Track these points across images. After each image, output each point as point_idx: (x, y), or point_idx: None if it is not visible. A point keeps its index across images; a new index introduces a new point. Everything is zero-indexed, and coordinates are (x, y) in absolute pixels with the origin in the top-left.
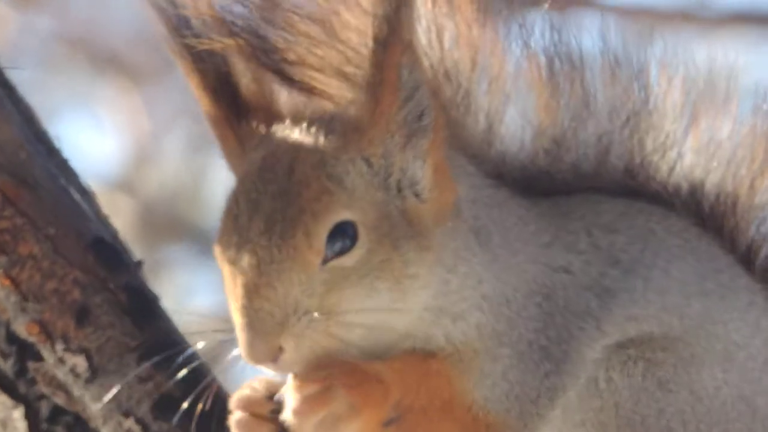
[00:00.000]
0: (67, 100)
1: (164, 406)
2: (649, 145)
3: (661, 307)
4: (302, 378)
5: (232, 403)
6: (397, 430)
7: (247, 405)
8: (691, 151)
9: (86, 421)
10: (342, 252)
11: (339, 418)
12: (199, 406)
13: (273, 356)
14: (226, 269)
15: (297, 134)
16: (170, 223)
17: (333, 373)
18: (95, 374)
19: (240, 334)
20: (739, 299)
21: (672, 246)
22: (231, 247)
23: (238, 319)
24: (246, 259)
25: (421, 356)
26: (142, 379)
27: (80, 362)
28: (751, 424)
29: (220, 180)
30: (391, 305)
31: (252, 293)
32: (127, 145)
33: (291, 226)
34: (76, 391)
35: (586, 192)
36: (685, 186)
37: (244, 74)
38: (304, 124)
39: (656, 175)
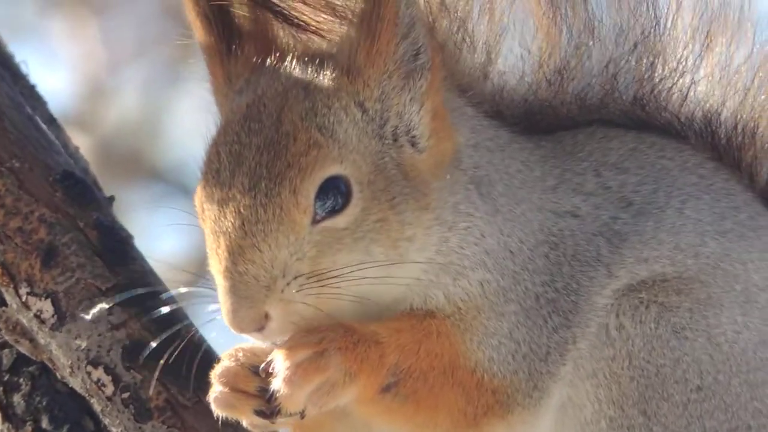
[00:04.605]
0: (18, 29)
1: (137, 355)
2: (660, 72)
3: (674, 246)
4: (293, 342)
5: (213, 376)
6: (396, 397)
7: (229, 379)
8: (705, 78)
9: (52, 371)
10: (334, 211)
11: (334, 386)
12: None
13: (258, 324)
14: (207, 227)
15: (286, 77)
16: (129, 163)
17: (326, 335)
18: (62, 320)
19: (223, 299)
20: (760, 238)
21: (686, 184)
22: (213, 204)
23: (220, 283)
24: (229, 219)
25: (420, 316)
26: (113, 326)
27: (46, 307)
28: None
29: (183, 115)
30: (387, 269)
31: (236, 255)
32: (83, 79)
33: (277, 183)
34: (42, 338)
35: (592, 125)
36: (699, 115)
37: (239, 1)
38: (295, 65)
39: (667, 105)
